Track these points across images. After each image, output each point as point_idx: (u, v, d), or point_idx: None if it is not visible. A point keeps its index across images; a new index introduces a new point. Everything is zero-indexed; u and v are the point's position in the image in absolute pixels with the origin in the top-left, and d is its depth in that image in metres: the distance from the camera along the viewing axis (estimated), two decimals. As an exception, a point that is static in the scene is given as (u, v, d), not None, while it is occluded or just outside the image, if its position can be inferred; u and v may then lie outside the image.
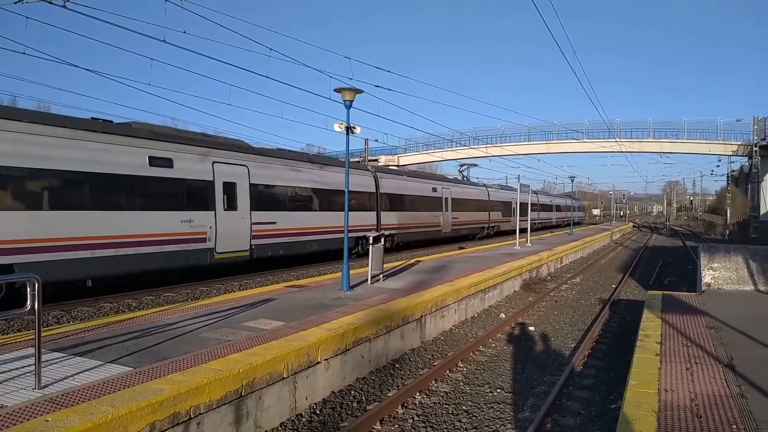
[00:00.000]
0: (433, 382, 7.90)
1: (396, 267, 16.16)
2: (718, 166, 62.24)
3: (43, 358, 5.39)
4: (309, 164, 21.81)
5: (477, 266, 16.17)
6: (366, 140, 50.27)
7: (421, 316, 10.11)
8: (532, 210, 51.90)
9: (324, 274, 16.90)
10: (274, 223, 18.58)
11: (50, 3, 11.94)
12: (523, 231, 27.44)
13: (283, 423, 6.34)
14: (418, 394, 7.38)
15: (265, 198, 18.46)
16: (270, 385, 6.17)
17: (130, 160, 13.93)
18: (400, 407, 6.88)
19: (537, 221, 51.94)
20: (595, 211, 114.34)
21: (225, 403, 5.55)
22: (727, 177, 64.54)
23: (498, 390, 7.74)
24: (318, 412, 6.74)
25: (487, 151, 50.49)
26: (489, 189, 42.04)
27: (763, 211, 44.74)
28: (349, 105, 11.33)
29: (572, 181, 45.67)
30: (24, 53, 15.16)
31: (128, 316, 8.79)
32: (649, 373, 6.09)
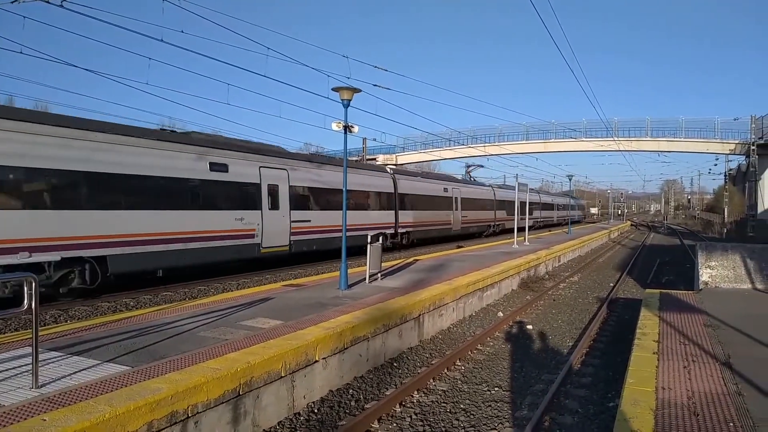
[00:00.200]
0: (432, 380, 7.91)
1: (394, 266, 16.17)
2: (715, 164, 62.26)
3: (41, 357, 5.39)
4: (337, 167, 23.25)
5: (475, 265, 16.18)
6: (364, 139, 50.21)
7: (419, 315, 10.12)
8: (535, 209, 53.30)
9: (322, 273, 16.90)
10: (309, 221, 20.33)
11: (47, 2, 11.90)
12: (521, 230, 27.50)
13: (281, 422, 6.34)
14: (416, 392, 7.39)
15: (301, 198, 20.32)
16: (268, 384, 6.16)
17: (194, 165, 15.94)
18: (398, 406, 6.89)
19: (540, 219, 53.90)
20: (593, 210, 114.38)
21: (223, 402, 5.54)
22: (725, 176, 64.69)
23: (496, 388, 7.75)
24: (316, 411, 6.74)
25: (485, 151, 50.48)
26: (495, 189, 43.36)
27: (760, 209, 44.84)
28: (347, 104, 11.33)
29: (570, 179, 45.66)
30: (21, 53, 15.11)
31: (126, 315, 8.78)
32: (647, 372, 6.10)
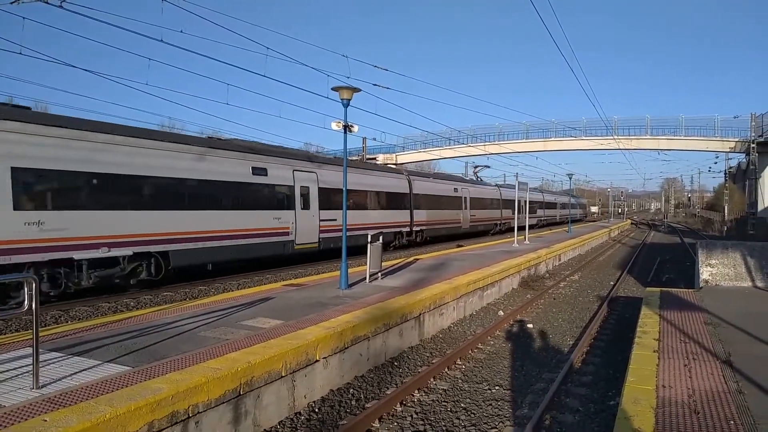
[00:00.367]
0: (432, 379, 7.91)
1: (394, 265, 16.17)
2: (715, 162, 62.28)
3: (41, 357, 5.40)
4: (358, 169, 25.87)
5: (475, 264, 16.18)
6: (364, 139, 50.21)
7: (420, 314, 10.12)
8: (539, 208, 54.25)
9: (322, 273, 16.90)
10: (335, 220, 21.57)
11: (46, 3, 11.90)
12: (521, 228, 27.53)
13: (281, 421, 6.34)
14: (416, 392, 7.39)
15: (328, 199, 21.75)
16: (268, 384, 6.17)
17: (240, 170, 17.65)
18: (398, 405, 6.89)
19: (543, 218, 55.39)
20: (594, 209, 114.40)
21: (223, 402, 5.55)
22: (725, 174, 64.70)
23: (497, 387, 7.75)
24: (317, 410, 6.75)
25: (485, 150, 50.47)
26: (501, 189, 44.31)
27: (760, 207, 44.83)
28: (346, 103, 11.33)
29: (570, 178, 45.66)
30: (20, 53, 15.11)
31: (126, 315, 8.78)
32: (648, 370, 6.10)
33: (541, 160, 56.27)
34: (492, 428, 6.34)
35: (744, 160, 52.66)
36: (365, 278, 12.51)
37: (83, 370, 5.64)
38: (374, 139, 48.28)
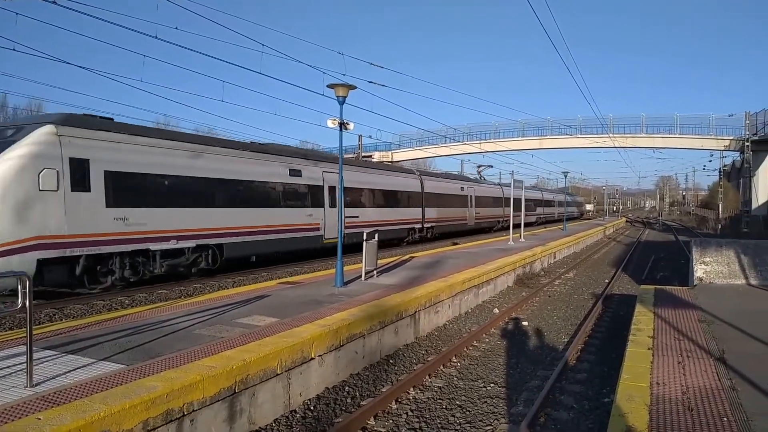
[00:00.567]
0: (427, 377, 7.92)
1: (390, 263, 16.18)
2: (710, 161, 62.55)
3: (35, 356, 5.38)
4: (376, 170, 28.41)
5: (470, 262, 16.21)
6: (360, 136, 50.20)
7: (415, 312, 10.13)
8: (538, 206, 55.43)
9: (317, 271, 16.89)
10: (358, 217, 23.82)
11: (40, -1, 11.83)
12: (517, 226, 27.63)
13: (276, 419, 6.34)
14: (412, 389, 7.40)
15: (353, 197, 23.81)
16: (263, 382, 6.16)
17: (279, 171, 19.66)
18: (394, 402, 6.90)
19: (542, 216, 56.92)
20: (589, 207, 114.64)
21: (218, 400, 5.54)
22: (720, 172, 64.95)
23: (491, 385, 7.77)
24: (312, 408, 6.75)
25: (480, 147, 50.58)
26: (503, 187, 45.03)
27: (754, 205, 45.05)
28: (342, 101, 11.31)
29: (566, 176, 45.77)
30: (14, 50, 15.03)
31: (121, 313, 8.75)
32: (642, 367, 6.13)
33: (536, 158, 56.67)
34: (487, 425, 6.36)
35: (738, 158, 52.89)
36: (361, 276, 12.50)
37: (77, 368, 5.62)
38: (370, 136, 48.48)
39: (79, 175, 12.88)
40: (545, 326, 11.61)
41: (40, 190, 12.09)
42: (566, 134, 50.95)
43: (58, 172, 12.43)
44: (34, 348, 5.14)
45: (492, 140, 53.21)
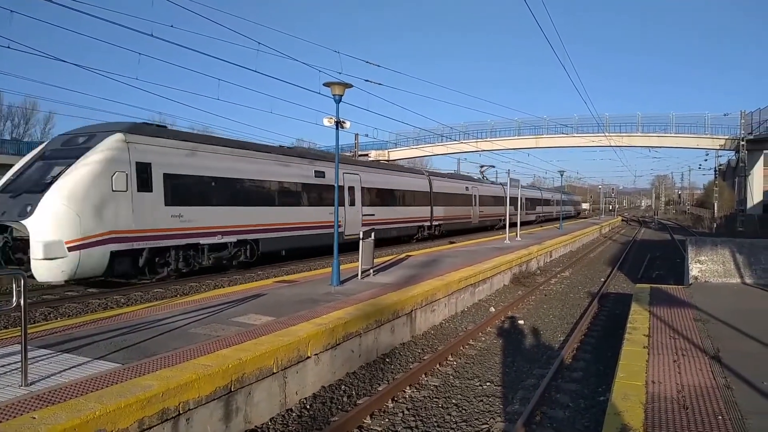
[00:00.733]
0: (423, 375, 7.92)
1: (386, 262, 16.18)
2: (705, 160, 62.84)
3: (30, 355, 5.36)
4: (390, 171, 30.48)
5: (467, 261, 16.22)
6: (356, 135, 50.21)
7: (412, 311, 10.13)
8: (538, 205, 56.49)
9: (314, 270, 16.87)
10: (374, 215, 25.70)
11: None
12: (513, 225, 27.71)
13: (272, 418, 6.33)
14: (408, 388, 7.40)
15: (369, 197, 25.72)
16: (259, 381, 6.15)
17: (306, 173, 21.55)
18: (390, 401, 6.90)
19: (541, 214, 58.09)
20: (585, 206, 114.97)
21: (214, 399, 5.53)
22: (715, 171, 65.26)
23: (488, 383, 7.78)
24: (308, 406, 6.74)
25: (477, 146, 50.65)
26: (505, 187, 45.05)
27: (749, 204, 45.28)
28: (338, 99, 11.29)
29: (561, 175, 45.88)
30: (8, 47, 14.97)
31: (116, 312, 8.73)
32: (637, 366, 6.14)
33: (532, 156, 56.72)
34: (483, 424, 6.37)
35: (734, 157, 53.09)
36: (357, 275, 12.50)
37: (72, 367, 5.60)
38: (366, 135, 48.34)
39: (144, 177, 14.47)
40: (541, 325, 11.63)
41: (113, 191, 13.60)
42: (562, 133, 51.04)
43: (127, 174, 13.98)
44: (29, 347, 5.12)
45: (488, 139, 53.27)
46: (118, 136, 14.12)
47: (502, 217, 44.23)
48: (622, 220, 77.33)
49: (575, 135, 50.96)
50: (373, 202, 25.99)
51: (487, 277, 14.78)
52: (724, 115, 46.71)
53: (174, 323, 7.73)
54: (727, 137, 46.25)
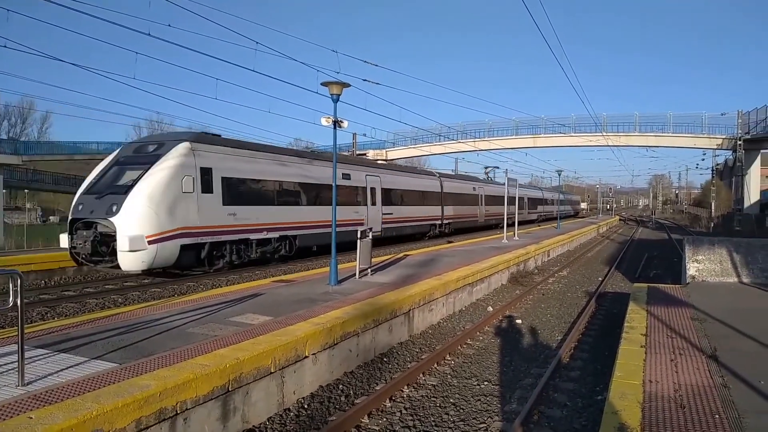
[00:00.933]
0: (421, 375, 7.93)
1: (384, 261, 16.18)
2: (703, 159, 62.94)
3: (27, 354, 5.35)
4: (405, 173, 32.88)
5: (464, 260, 16.23)
6: (354, 134, 50.10)
7: (409, 310, 10.13)
8: (539, 204, 57.21)
9: (311, 269, 16.86)
10: (392, 213, 27.75)
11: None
12: (511, 225, 27.79)
13: (270, 417, 6.33)
14: (406, 387, 7.40)
15: (388, 196, 27.69)
16: (257, 380, 6.15)
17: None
18: (388, 401, 6.90)
19: (543, 213, 59.35)
20: (583, 205, 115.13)
21: (212, 399, 5.52)
22: (712, 170, 65.36)
23: (485, 383, 7.78)
24: (306, 406, 6.74)
25: (475, 145, 50.64)
26: (509, 187, 45.92)
27: (746, 204, 45.38)
28: (336, 99, 11.29)
29: (559, 174, 45.89)
30: (5, 47, 14.94)
31: (113, 312, 8.71)
32: (634, 365, 6.15)
33: (530, 156, 56.69)
34: (481, 423, 6.37)
35: (731, 157, 53.21)
36: (355, 274, 12.50)
37: (69, 367, 5.59)
38: (364, 134, 48.25)
39: (206, 180, 16.38)
40: (539, 324, 11.64)
41: (182, 192, 15.52)
42: (560, 133, 51.02)
43: (193, 178, 15.92)
44: (25, 347, 5.11)
45: (486, 138, 53.22)
46: (186, 144, 16.08)
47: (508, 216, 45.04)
48: (620, 220, 77.50)
49: (573, 135, 50.93)
50: (391, 202, 27.88)
51: (485, 276, 14.79)
52: (722, 114, 46.76)
53: (172, 323, 7.72)
54: (724, 137, 46.28)
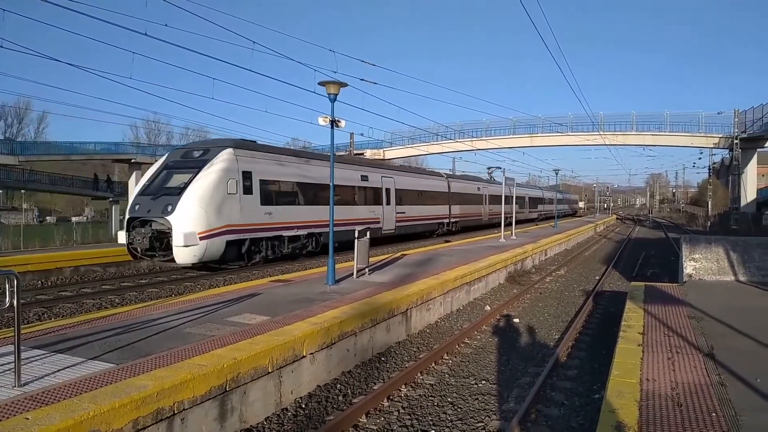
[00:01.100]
0: (419, 374, 7.93)
1: (382, 261, 16.17)
2: (699, 158, 63.44)
3: (24, 355, 5.32)
4: (418, 174, 35.24)
5: (462, 259, 16.23)
6: (351, 134, 50.16)
7: (407, 310, 10.13)
8: (540, 203, 57.89)
9: (309, 269, 16.85)
10: (404, 212, 29.58)
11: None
12: (508, 224, 27.86)
13: (268, 417, 6.32)
14: (403, 386, 7.40)
15: (402, 197, 29.42)
16: (255, 380, 6.14)
17: (355, 176, 25.54)
18: (385, 400, 6.90)
19: (543, 213, 60.84)
20: (580, 204, 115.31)
21: (209, 399, 5.51)
22: (709, 169, 65.47)
23: (483, 382, 7.79)
24: (303, 406, 6.73)
25: (472, 145, 50.64)
26: (511, 187, 46.33)
27: (743, 202, 45.44)
28: (333, 98, 11.27)
29: (557, 174, 45.99)
30: (1, 47, 14.91)
31: (111, 312, 8.68)
32: (632, 363, 6.16)
33: (527, 155, 56.59)
34: (478, 422, 6.38)
35: (727, 155, 53.30)
36: (352, 274, 12.49)
37: (66, 367, 5.58)
38: (362, 134, 48.42)
39: (247, 182, 18.19)
40: (536, 323, 11.65)
41: (227, 193, 17.23)
42: (557, 132, 51.03)
43: (236, 181, 17.66)
44: (22, 347, 5.10)
45: (484, 138, 53.20)
46: (230, 150, 17.94)
47: (509, 215, 45.15)
48: (617, 219, 77.65)
49: (570, 134, 50.94)
50: (403, 202, 29.59)
51: (483, 275, 14.80)
52: (718, 113, 46.79)
53: (169, 323, 7.70)
54: (721, 136, 46.33)
